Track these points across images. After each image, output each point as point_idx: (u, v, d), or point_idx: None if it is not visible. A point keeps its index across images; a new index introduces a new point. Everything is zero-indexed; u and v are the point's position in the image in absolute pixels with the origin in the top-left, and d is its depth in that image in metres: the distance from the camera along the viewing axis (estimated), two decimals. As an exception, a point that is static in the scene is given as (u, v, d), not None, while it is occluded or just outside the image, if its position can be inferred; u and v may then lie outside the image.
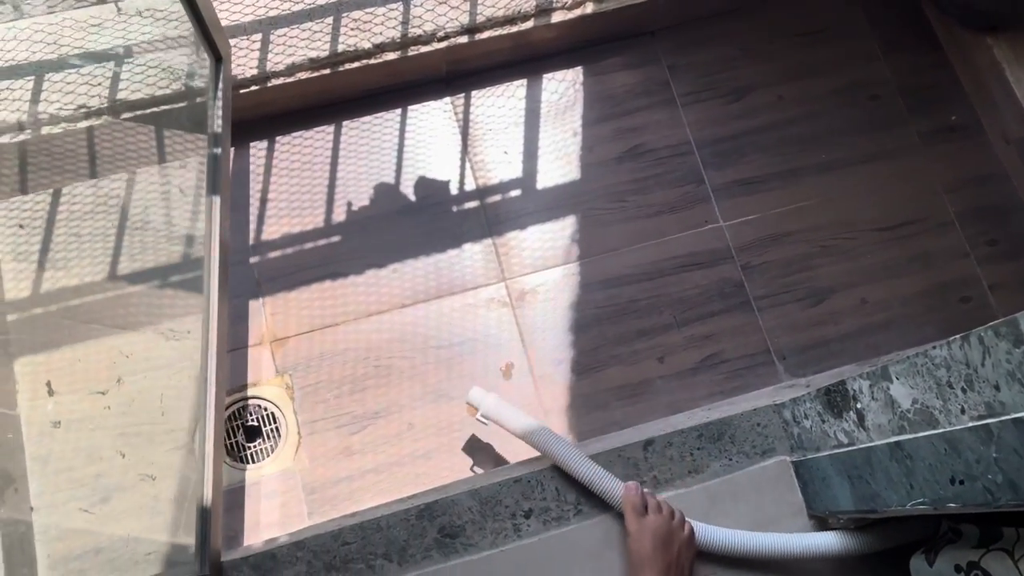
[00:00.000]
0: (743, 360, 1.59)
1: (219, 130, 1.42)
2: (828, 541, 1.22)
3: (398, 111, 1.69)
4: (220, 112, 1.43)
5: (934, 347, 0.90)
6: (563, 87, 1.73)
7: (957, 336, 0.86)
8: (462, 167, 1.67)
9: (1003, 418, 0.79)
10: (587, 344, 1.58)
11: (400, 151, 1.66)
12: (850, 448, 1.13)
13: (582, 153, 1.70)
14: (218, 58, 1.46)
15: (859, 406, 1.09)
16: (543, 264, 1.62)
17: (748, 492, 1.31)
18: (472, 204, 1.65)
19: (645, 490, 1.23)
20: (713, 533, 1.23)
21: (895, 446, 1.00)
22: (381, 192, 1.64)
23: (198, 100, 1.51)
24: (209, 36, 1.41)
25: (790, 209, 1.68)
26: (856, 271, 1.64)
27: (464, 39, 1.60)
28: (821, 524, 1.28)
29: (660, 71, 1.76)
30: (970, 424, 0.85)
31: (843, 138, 1.73)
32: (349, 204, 1.62)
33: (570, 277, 1.62)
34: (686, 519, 1.22)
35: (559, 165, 1.68)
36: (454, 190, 1.65)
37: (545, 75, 1.74)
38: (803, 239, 1.66)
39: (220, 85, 1.44)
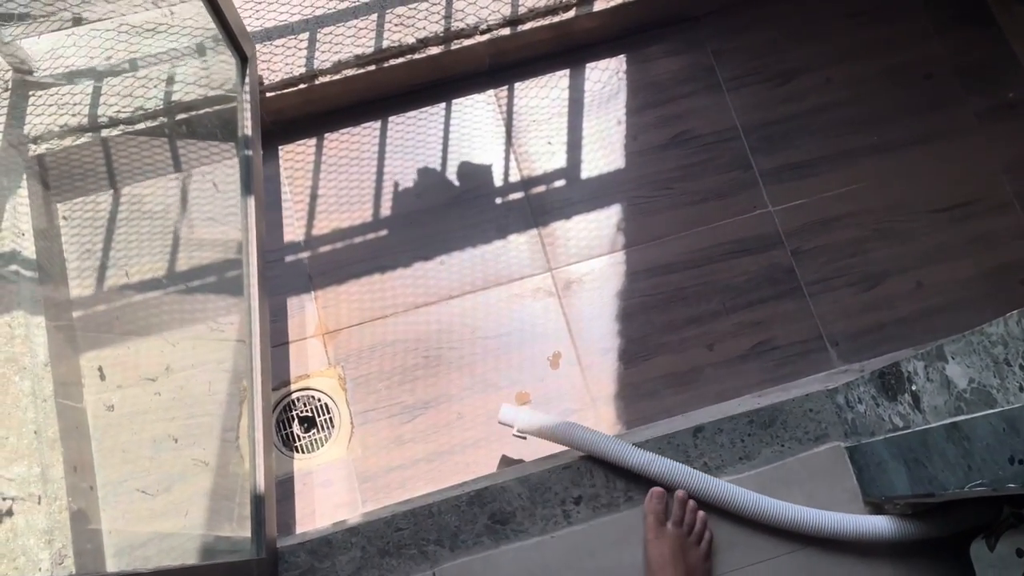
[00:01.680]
0: (794, 347, 1.56)
1: (248, 132, 1.45)
2: (883, 525, 1.19)
3: (443, 105, 1.70)
4: (248, 114, 1.46)
5: (990, 325, 0.88)
6: (606, 76, 1.73)
7: (1014, 312, 0.84)
8: (506, 159, 1.68)
9: (1065, 394, 0.77)
10: (635, 332, 1.58)
11: (445, 144, 1.68)
12: (905, 431, 1.10)
13: (626, 141, 1.69)
14: (244, 59, 1.49)
15: (914, 388, 1.06)
16: (589, 253, 1.62)
17: (801, 478, 1.30)
18: (517, 195, 1.66)
19: (680, 496, 1.23)
20: (765, 504, 1.22)
21: (952, 427, 0.98)
22: (427, 185, 1.66)
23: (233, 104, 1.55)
24: (234, 37, 1.45)
25: (841, 192, 1.65)
26: (911, 254, 1.60)
27: (507, 31, 1.61)
28: (877, 510, 1.26)
29: (704, 56, 1.74)
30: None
31: (895, 119, 1.69)
32: (396, 198, 1.65)
33: (616, 266, 1.62)
34: (706, 532, 1.23)
35: (603, 154, 1.68)
36: (499, 182, 1.66)
37: (588, 64, 1.74)
38: (855, 223, 1.63)
39: (247, 87, 1.47)
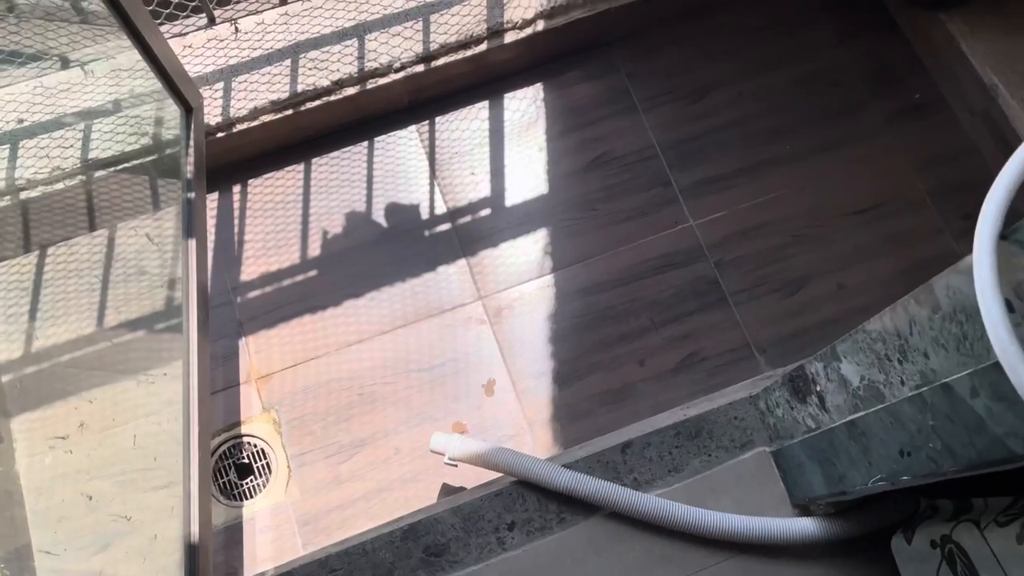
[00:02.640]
0: (723, 356, 1.59)
1: (191, 176, 1.46)
2: (810, 526, 1.21)
3: (365, 143, 1.73)
4: (192, 159, 1.47)
5: (869, 322, 0.91)
6: (525, 104, 1.76)
7: (887, 308, 0.87)
8: (431, 192, 1.70)
9: (933, 385, 0.79)
10: (567, 353, 1.59)
11: (370, 182, 1.70)
12: (816, 432, 1.13)
13: (549, 167, 1.72)
14: (188, 108, 1.51)
15: (818, 389, 1.09)
16: (518, 279, 1.64)
17: (729, 486, 1.31)
18: (444, 227, 1.68)
19: None
20: (694, 514, 1.23)
21: (850, 425, 1.00)
22: (354, 223, 1.67)
23: (171, 151, 1.56)
24: (176, 88, 1.47)
25: (759, 202, 1.68)
26: (831, 257, 1.64)
27: (421, 67, 1.64)
28: (804, 512, 1.28)
29: (619, 80, 1.78)
30: (908, 394, 0.85)
31: (807, 127, 1.73)
32: (324, 238, 1.66)
33: (545, 289, 1.64)
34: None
35: (527, 180, 1.71)
36: (425, 215, 1.68)
37: (506, 95, 1.77)
38: (775, 231, 1.66)
39: (191, 133, 1.49)
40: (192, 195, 1.46)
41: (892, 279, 1.62)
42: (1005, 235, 0.66)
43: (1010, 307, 0.67)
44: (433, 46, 1.64)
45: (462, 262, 1.65)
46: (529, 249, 1.66)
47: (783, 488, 1.30)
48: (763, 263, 1.64)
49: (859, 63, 1.78)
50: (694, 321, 1.61)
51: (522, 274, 1.65)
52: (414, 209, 1.69)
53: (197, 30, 1.60)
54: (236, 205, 1.68)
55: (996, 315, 0.62)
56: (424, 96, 1.73)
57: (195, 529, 1.28)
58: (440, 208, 1.69)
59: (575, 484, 1.26)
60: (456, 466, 1.36)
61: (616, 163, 1.72)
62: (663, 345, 1.60)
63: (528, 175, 1.71)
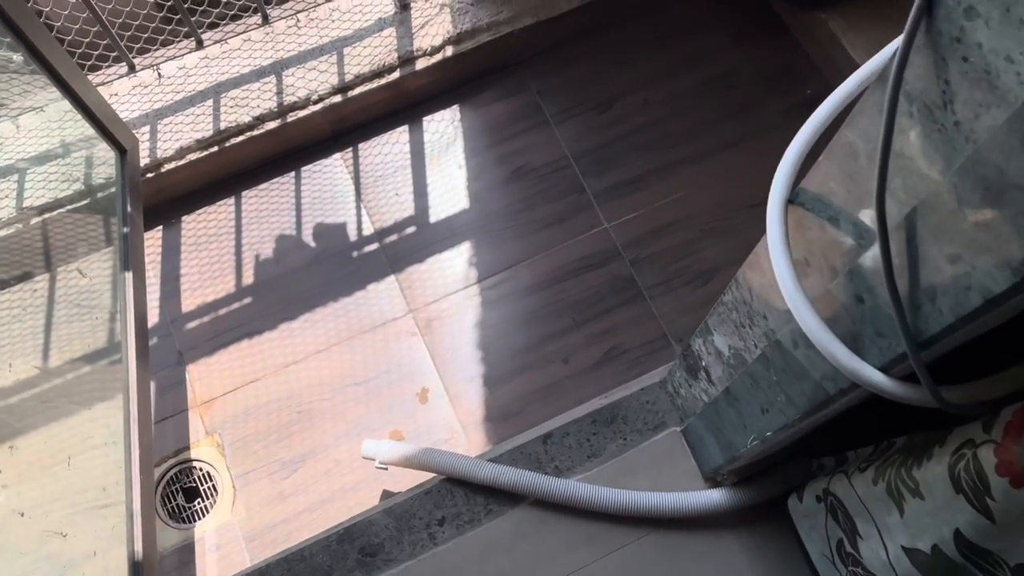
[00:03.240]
0: (642, 348, 1.67)
1: (128, 213, 1.54)
2: (717, 497, 1.29)
3: (292, 173, 1.81)
4: (129, 198, 1.55)
5: (725, 293, 1.00)
6: (443, 126, 1.86)
7: (733, 279, 0.96)
8: (358, 214, 1.78)
9: (771, 342, 0.88)
10: (496, 357, 1.67)
11: (298, 210, 1.78)
12: (708, 404, 1.21)
13: (469, 182, 1.81)
14: (122, 151, 1.59)
15: (704, 364, 1.17)
16: (445, 291, 1.72)
17: (645, 466, 1.39)
18: (372, 247, 1.76)
19: None
20: (610, 495, 1.30)
21: (727, 392, 1.09)
22: (286, 250, 1.75)
23: (108, 192, 1.64)
24: (109, 132, 1.54)
25: (669, 201, 1.78)
26: (737, 248, 1.73)
27: (338, 98, 1.73)
28: (714, 485, 1.35)
29: (531, 96, 1.88)
30: (757, 355, 0.93)
31: (710, 128, 1.84)
32: (257, 266, 1.73)
33: (472, 298, 1.72)
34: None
35: (449, 197, 1.80)
36: (353, 236, 1.77)
37: (424, 118, 1.86)
38: (685, 226, 1.76)
39: (126, 173, 1.56)
40: (128, 231, 1.53)
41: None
42: (792, 199, 0.75)
43: (806, 262, 0.76)
44: (348, 77, 1.73)
45: (391, 279, 1.73)
46: (455, 261, 1.75)
47: (694, 464, 1.38)
48: (675, 258, 1.73)
49: (754, 65, 1.89)
50: (614, 317, 1.70)
51: (449, 285, 1.73)
52: (342, 232, 1.77)
53: (120, 78, 1.68)
54: (172, 241, 1.76)
55: (784, 271, 0.71)
56: (346, 125, 1.82)
57: (139, 547, 1.34)
58: (368, 229, 1.77)
59: (498, 476, 1.33)
60: (387, 469, 1.43)
61: (533, 175, 1.82)
62: (586, 342, 1.68)
63: (450, 192, 1.80)
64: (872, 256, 0.63)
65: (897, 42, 0.65)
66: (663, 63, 1.90)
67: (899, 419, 0.97)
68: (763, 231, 1.74)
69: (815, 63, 1.89)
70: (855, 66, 1.81)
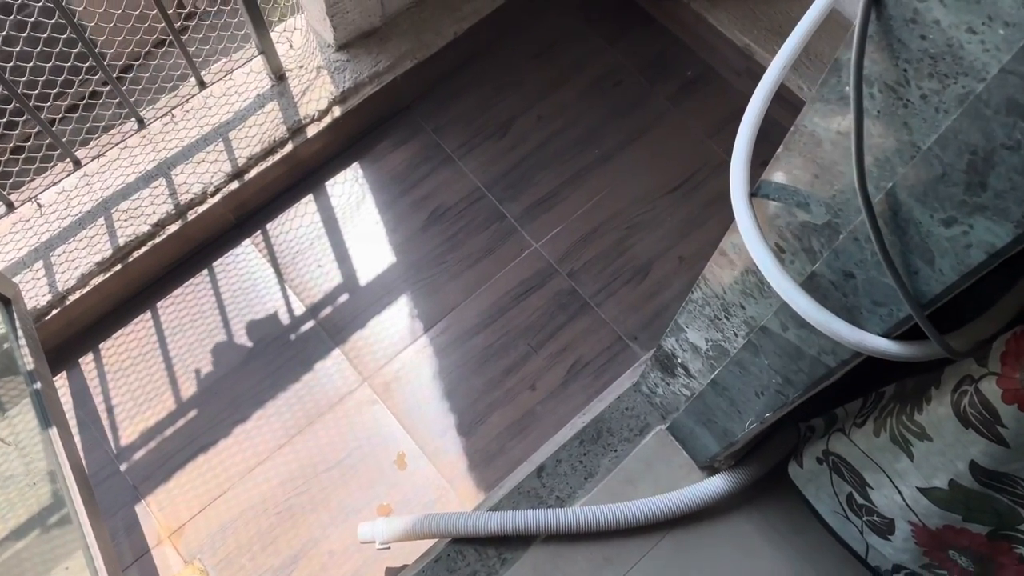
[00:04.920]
0: (603, 356, 1.68)
1: (32, 367, 1.43)
2: (720, 483, 1.30)
3: (205, 271, 1.73)
4: (27, 349, 1.44)
5: (693, 292, 1.01)
6: (348, 187, 1.82)
7: (699, 277, 0.97)
8: (285, 296, 1.72)
9: (755, 329, 0.90)
10: (463, 403, 1.64)
11: (221, 307, 1.70)
12: (693, 398, 1.22)
13: (389, 236, 1.78)
14: (6, 301, 1.47)
15: (680, 360, 1.19)
16: (394, 350, 1.68)
17: (642, 472, 1.40)
18: (308, 325, 1.70)
19: None
20: (618, 510, 1.30)
21: (713, 383, 1.10)
22: (219, 351, 1.67)
23: (3, 347, 1.51)
24: None
25: (588, 207, 1.80)
26: (665, 236, 1.77)
27: (235, 184, 1.67)
28: (712, 472, 1.37)
29: (428, 136, 1.87)
30: (743, 343, 0.95)
31: (607, 128, 1.87)
32: (193, 375, 1.65)
33: (423, 351, 1.68)
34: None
35: (373, 256, 1.76)
36: (286, 320, 1.70)
37: (327, 183, 1.82)
38: (610, 228, 1.78)
39: (17, 325, 1.45)
40: (38, 385, 1.42)
41: (722, 238, 1.77)
42: (755, 192, 0.76)
43: (781, 249, 0.77)
44: (241, 161, 1.67)
45: (336, 352, 1.68)
46: (396, 318, 1.71)
47: (687, 457, 1.39)
48: (609, 261, 1.75)
49: (632, 59, 1.94)
50: (567, 333, 1.70)
51: (397, 344, 1.69)
52: (273, 318, 1.70)
53: (-3, 218, 1.56)
54: (94, 373, 1.65)
55: (767, 263, 0.72)
56: (248, 209, 1.76)
57: None
58: (299, 308, 1.71)
59: (504, 523, 1.31)
60: (389, 548, 1.37)
61: (450, 213, 1.80)
62: (547, 364, 1.68)
63: (373, 250, 1.76)
64: (856, 233, 0.65)
65: (805, 28, 0.67)
66: (547, 76, 1.92)
67: (879, 371, 1.01)
68: (685, 214, 1.79)
69: (688, 45, 1.95)
70: (726, 41, 1.88)
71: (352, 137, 1.84)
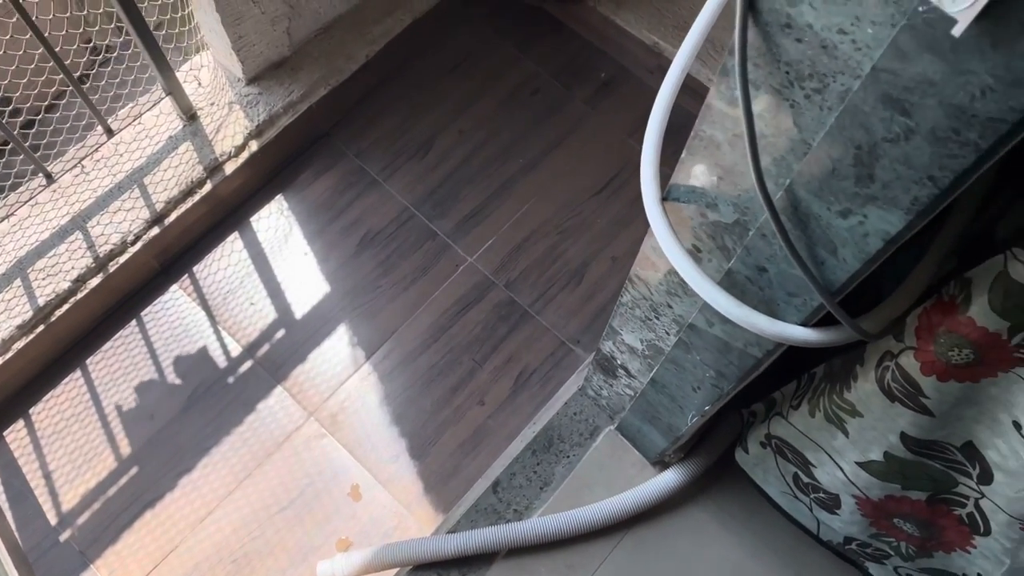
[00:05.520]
0: (547, 363, 1.69)
1: None
2: (672, 477, 1.32)
3: (134, 322, 1.68)
4: None
5: (622, 295, 1.02)
6: (273, 220, 1.79)
7: (627, 281, 0.98)
8: (219, 338, 1.68)
9: (684, 327, 0.91)
10: (412, 427, 1.63)
11: (154, 356, 1.66)
12: (636, 397, 1.24)
13: (320, 266, 1.76)
14: None
15: (620, 362, 1.20)
16: (337, 381, 1.66)
17: (596, 474, 1.41)
18: (246, 365, 1.66)
19: None
20: (576, 516, 1.31)
21: (652, 382, 1.12)
22: (156, 402, 1.62)
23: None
24: None
25: (518, 217, 1.81)
26: (596, 238, 1.79)
27: (156, 230, 1.63)
28: (664, 467, 1.39)
29: (350, 162, 1.85)
30: (674, 341, 0.96)
31: (528, 136, 1.88)
32: (131, 430, 1.60)
33: (367, 378, 1.67)
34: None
35: (306, 288, 1.73)
36: (223, 363, 1.66)
37: (252, 219, 1.79)
38: (541, 235, 1.79)
39: None
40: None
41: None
42: (666, 196, 0.78)
43: (697, 249, 0.79)
44: (159, 205, 1.63)
45: (278, 389, 1.65)
46: (336, 349, 1.69)
47: (638, 455, 1.41)
48: (544, 268, 1.76)
49: (546, 66, 1.96)
50: (510, 344, 1.70)
51: (339, 374, 1.67)
52: (209, 362, 1.66)
53: (-97, 291, 1.49)
54: (27, 441, 1.58)
55: (684, 264, 0.74)
56: (172, 254, 1.71)
57: None
58: (235, 349, 1.67)
59: (464, 544, 1.30)
60: (352, 583, 1.36)
61: (381, 237, 1.79)
62: (493, 377, 1.68)
63: (305, 282, 1.74)
64: (763, 229, 0.67)
65: (699, 31, 0.69)
66: (464, 90, 1.93)
67: (808, 354, 1.04)
68: (613, 214, 1.81)
69: (598, 48, 1.98)
70: (635, 40, 1.91)
71: (272, 170, 1.81)
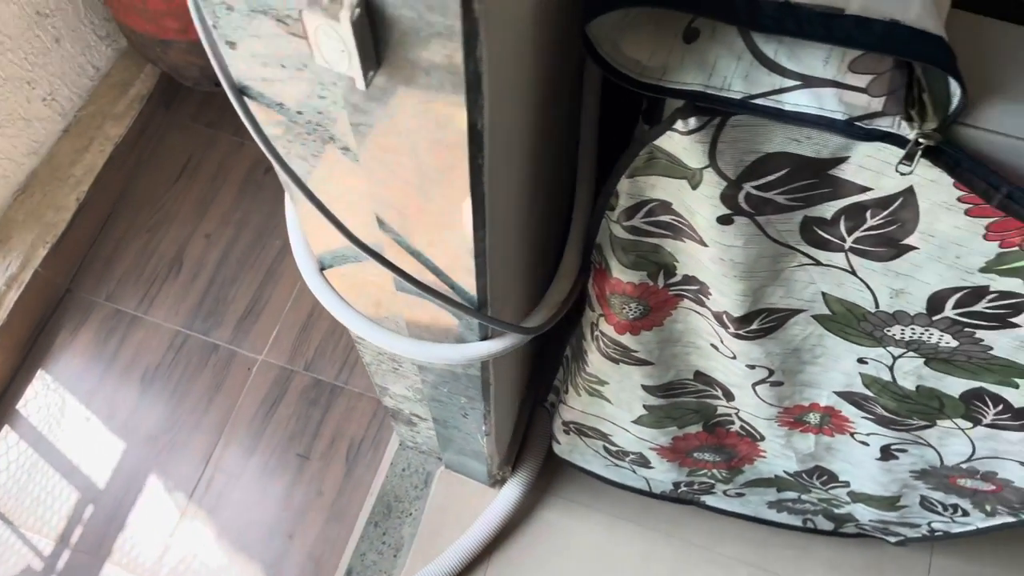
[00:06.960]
0: (371, 427, 1.64)
1: None
2: (512, 490, 1.33)
3: (-79, 566, 1.51)
4: None
5: (362, 355, 1.01)
6: (42, 398, 1.66)
7: (354, 341, 0.97)
8: (27, 542, 1.54)
9: (418, 367, 0.91)
10: (260, 547, 1.55)
11: (-43, 592, 1.50)
12: (437, 436, 1.23)
13: (108, 424, 1.65)
14: None
15: (406, 411, 1.19)
16: (167, 532, 1.56)
17: (442, 518, 1.40)
18: (64, 558, 1.54)
19: None
20: (437, 566, 1.29)
21: (435, 420, 1.11)
22: (-23, 639, 1.47)
23: None
24: None
25: (295, 295, 1.77)
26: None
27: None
28: (501, 483, 1.40)
29: (103, 307, 1.75)
30: (421, 380, 0.96)
31: (279, 213, 1.85)
32: None
33: (195, 518, 1.58)
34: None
35: (102, 452, 1.62)
36: (39, 566, 1.53)
37: (18, 406, 1.66)
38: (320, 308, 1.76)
39: None
40: None
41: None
42: (323, 267, 0.77)
43: (323, 265, 0.79)
44: (-102, 436, 1.47)
45: (107, 568, 1.53)
46: (156, 500, 1.59)
47: (475, 483, 1.41)
48: (339, 336, 1.73)
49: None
50: (329, 424, 1.66)
51: (167, 524, 1.57)
52: (25, 571, 1.52)
53: None
54: None
55: (359, 323, 0.73)
56: (-62, 477, 1.56)
57: None
58: (47, 547, 1.54)
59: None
60: None
61: (161, 370, 1.70)
62: (325, 463, 1.63)
63: (99, 447, 1.63)
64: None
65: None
66: (196, 194, 1.87)
67: (545, 342, 1.07)
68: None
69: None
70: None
71: (21, 349, 1.69)
